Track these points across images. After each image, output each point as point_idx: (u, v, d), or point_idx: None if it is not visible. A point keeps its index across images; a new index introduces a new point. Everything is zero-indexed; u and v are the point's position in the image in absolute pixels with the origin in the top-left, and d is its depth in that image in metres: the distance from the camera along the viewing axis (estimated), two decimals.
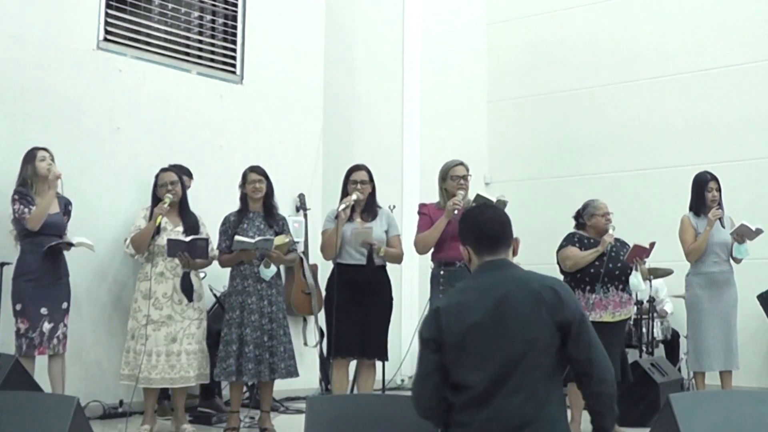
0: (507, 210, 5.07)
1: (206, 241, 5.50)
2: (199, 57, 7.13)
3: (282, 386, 6.15)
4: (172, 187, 5.51)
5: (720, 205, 6.15)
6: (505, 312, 2.67)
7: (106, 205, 6.15)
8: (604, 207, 5.71)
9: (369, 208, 5.47)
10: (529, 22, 9.65)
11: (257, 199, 5.61)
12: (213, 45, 7.30)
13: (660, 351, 7.79)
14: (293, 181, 7.43)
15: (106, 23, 6.44)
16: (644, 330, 7.43)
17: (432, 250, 5.37)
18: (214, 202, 6.15)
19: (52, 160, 5.31)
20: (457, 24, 9.66)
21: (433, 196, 5.50)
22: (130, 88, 6.50)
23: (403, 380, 8.01)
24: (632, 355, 6.75)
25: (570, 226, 5.88)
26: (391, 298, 5.48)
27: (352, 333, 5.26)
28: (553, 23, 9.45)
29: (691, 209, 6.24)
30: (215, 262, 5.67)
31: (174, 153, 6.40)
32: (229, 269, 5.64)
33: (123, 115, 6.44)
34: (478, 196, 5.23)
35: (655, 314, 7.48)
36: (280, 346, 5.48)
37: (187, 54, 7.06)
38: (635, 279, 5.55)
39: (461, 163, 5.40)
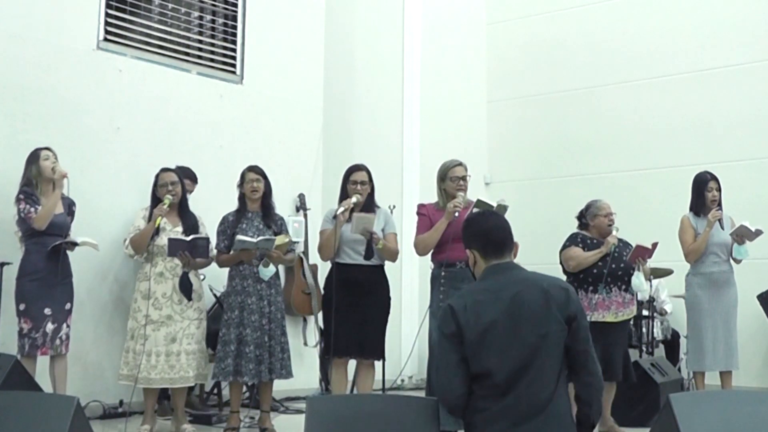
0: (507, 212, 5.14)
1: (207, 240, 5.50)
2: (199, 57, 7.13)
3: (282, 386, 6.16)
4: (172, 188, 5.50)
5: (720, 205, 6.15)
6: (518, 310, 2.96)
7: (106, 205, 6.15)
8: (607, 207, 5.71)
9: (367, 208, 5.45)
10: (529, 22, 9.65)
11: (255, 199, 5.61)
12: (213, 45, 7.30)
13: (660, 351, 7.79)
14: (293, 181, 7.44)
15: (106, 23, 6.44)
16: (644, 330, 7.44)
17: (432, 250, 5.36)
18: (213, 202, 6.15)
19: (56, 159, 5.31)
20: (457, 24, 9.66)
21: (433, 196, 5.48)
22: (130, 88, 6.50)
23: (403, 380, 8.01)
24: (632, 355, 6.72)
25: (570, 226, 5.88)
26: (389, 298, 5.47)
27: (350, 333, 5.25)
28: (553, 23, 9.46)
29: (691, 209, 6.24)
30: (213, 262, 5.67)
31: (174, 153, 6.40)
32: (227, 269, 5.64)
33: (123, 115, 6.44)
34: (479, 201, 5.22)
35: (655, 313, 7.49)
36: (277, 346, 5.49)
37: (187, 54, 7.06)
38: (638, 279, 5.56)
39: (460, 164, 5.37)
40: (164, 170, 5.61)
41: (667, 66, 8.67)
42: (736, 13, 8.38)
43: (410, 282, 8.36)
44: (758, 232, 6.03)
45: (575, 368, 3.02)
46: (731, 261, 6.16)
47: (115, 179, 6.31)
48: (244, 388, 5.90)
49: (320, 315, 6.28)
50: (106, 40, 6.44)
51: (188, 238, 5.39)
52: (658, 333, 7.63)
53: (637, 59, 8.83)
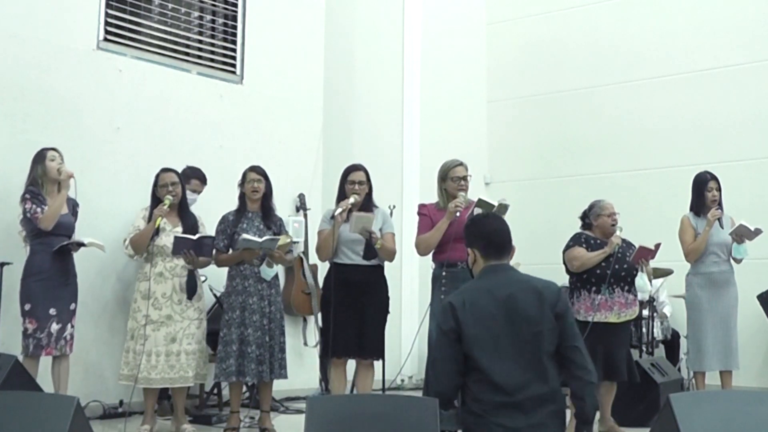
0: (508, 211, 5.14)
1: (212, 239, 5.51)
2: (199, 57, 7.13)
3: (282, 386, 6.16)
4: (172, 188, 5.50)
5: (720, 205, 6.15)
6: (513, 309, 3.17)
7: (106, 205, 6.14)
8: (610, 207, 5.70)
9: (365, 208, 5.44)
10: (529, 22, 9.64)
11: (255, 199, 5.61)
12: (213, 45, 7.30)
13: (660, 351, 7.79)
14: (293, 181, 7.43)
15: (106, 23, 6.44)
16: (644, 330, 7.43)
17: (433, 250, 5.36)
18: (214, 202, 6.15)
19: (62, 160, 5.30)
20: (457, 24, 9.66)
21: (433, 196, 5.48)
22: (130, 88, 6.50)
23: (403, 380, 8.01)
24: (632, 355, 6.74)
25: (570, 226, 5.88)
26: (388, 298, 5.46)
27: (349, 333, 5.24)
28: (553, 23, 9.45)
29: (691, 209, 6.24)
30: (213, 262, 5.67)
31: (174, 153, 6.40)
32: (226, 269, 5.64)
33: (123, 115, 6.44)
34: (480, 201, 5.21)
35: (655, 314, 7.48)
36: (276, 346, 5.49)
37: (187, 54, 7.06)
38: (641, 280, 5.56)
39: (461, 164, 5.36)
40: (164, 170, 5.60)
41: (667, 66, 8.66)
42: (736, 13, 8.38)
43: (410, 282, 8.36)
44: (758, 232, 6.04)
45: (565, 363, 3.20)
46: (731, 261, 6.16)
47: (115, 179, 6.31)
48: (244, 388, 5.90)
49: (320, 315, 6.28)
50: (106, 40, 6.44)
51: (194, 237, 5.38)
52: (658, 333, 7.62)
53: (637, 59, 8.82)
